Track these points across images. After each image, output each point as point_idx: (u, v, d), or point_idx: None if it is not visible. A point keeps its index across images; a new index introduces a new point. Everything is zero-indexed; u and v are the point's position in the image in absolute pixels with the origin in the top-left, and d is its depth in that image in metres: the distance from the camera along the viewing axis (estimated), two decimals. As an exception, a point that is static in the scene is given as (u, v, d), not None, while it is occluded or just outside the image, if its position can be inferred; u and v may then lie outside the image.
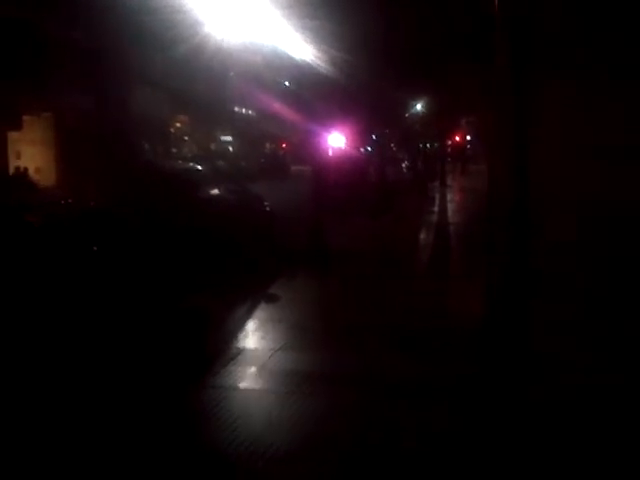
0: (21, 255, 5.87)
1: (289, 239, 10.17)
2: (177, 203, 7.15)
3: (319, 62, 11.89)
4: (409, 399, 4.39)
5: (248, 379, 4.82)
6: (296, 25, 10.82)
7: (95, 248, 6.21)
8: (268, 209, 9.94)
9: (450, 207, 17.03)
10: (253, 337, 5.91)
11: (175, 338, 5.73)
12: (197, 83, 29.42)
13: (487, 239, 3.18)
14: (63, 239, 6.20)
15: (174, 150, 31.73)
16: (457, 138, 40.05)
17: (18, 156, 21.55)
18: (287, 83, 26.27)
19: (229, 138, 42.18)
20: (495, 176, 2.51)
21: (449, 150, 40.33)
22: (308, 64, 11.69)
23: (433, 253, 10.16)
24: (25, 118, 20.82)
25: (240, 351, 5.46)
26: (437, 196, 20.66)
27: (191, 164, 9.70)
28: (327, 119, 14.53)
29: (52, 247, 6.05)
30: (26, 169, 20.95)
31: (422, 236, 12.57)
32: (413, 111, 31.12)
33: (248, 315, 6.57)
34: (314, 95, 12.27)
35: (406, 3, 10.56)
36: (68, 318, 5.54)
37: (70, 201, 7.62)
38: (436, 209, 17.12)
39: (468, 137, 46.19)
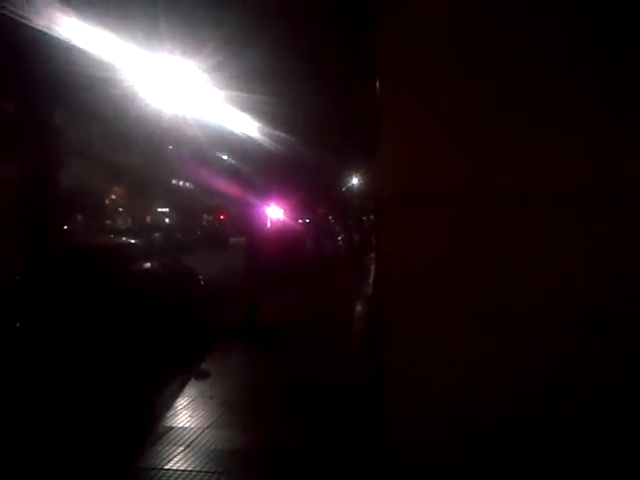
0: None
1: (223, 313, 10.08)
2: (105, 278, 7.02)
3: (257, 136, 12.17)
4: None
5: (176, 459, 4.66)
6: (235, 100, 11.11)
7: (18, 324, 6.00)
8: (202, 283, 9.86)
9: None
10: (182, 415, 5.74)
11: (100, 416, 5.52)
12: (134, 155, 29.44)
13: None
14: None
15: (108, 222, 31.28)
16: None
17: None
18: (225, 156, 26.61)
19: (166, 210, 42.01)
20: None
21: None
22: (246, 138, 11.94)
23: (366, 325, 10.23)
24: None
25: (168, 430, 5.31)
26: (372, 268, 20.97)
27: (123, 238, 9.59)
28: (265, 191, 14.74)
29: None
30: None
31: (357, 308, 12.67)
32: (350, 185, 31.95)
33: (177, 392, 6.41)
34: (252, 168, 12.48)
35: (341, 81, 11.00)
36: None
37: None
38: (370, 281, 17.34)
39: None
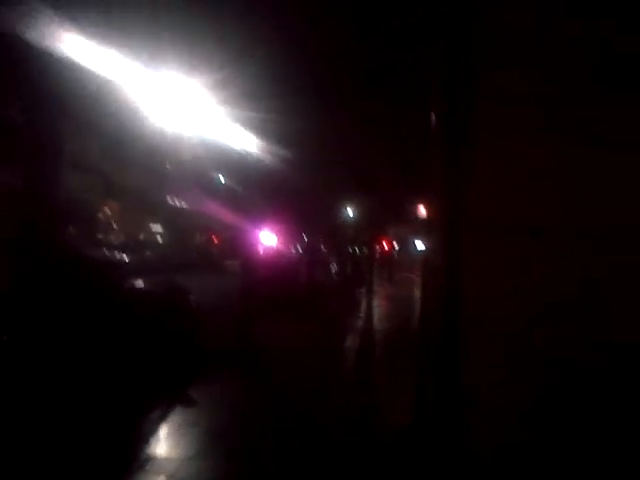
0: None
1: (214, 336, 9.86)
2: (98, 293, 6.83)
3: (256, 161, 12.10)
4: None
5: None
6: (235, 120, 11.05)
7: (4, 337, 5.79)
8: (194, 304, 9.65)
9: (376, 312, 17.13)
10: (165, 443, 5.51)
11: (81, 441, 5.28)
12: (131, 171, 29.34)
13: (420, 353, 3.21)
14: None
15: (100, 236, 31.00)
16: (385, 246, 41.12)
17: None
18: (222, 179, 26.60)
19: (159, 228, 41.75)
20: (426, 284, 2.60)
21: (377, 257, 41.26)
22: (246, 162, 11.87)
23: (357, 359, 10.06)
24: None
25: (150, 458, 5.07)
26: (364, 302, 20.86)
27: (117, 253, 9.42)
28: (260, 217, 14.65)
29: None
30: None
31: (347, 341, 12.48)
32: (345, 216, 31.95)
33: (163, 418, 6.17)
34: (249, 192, 12.40)
35: (344, 110, 10.99)
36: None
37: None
38: (362, 315, 17.17)
39: (396, 246, 47.69)
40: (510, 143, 2.22)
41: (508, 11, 2.25)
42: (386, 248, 41.54)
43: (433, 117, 2.37)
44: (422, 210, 25.31)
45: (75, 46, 8.84)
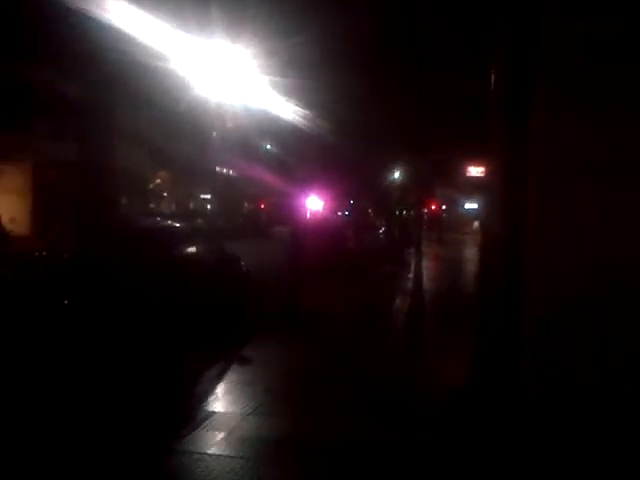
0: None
1: (265, 300, 10.10)
2: (153, 260, 7.06)
3: (302, 127, 12.11)
4: (378, 469, 4.30)
5: (216, 445, 4.67)
6: (281, 88, 11.06)
7: (66, 302, 6.07)
8: (244, 269, 9.88)
9: (425, 273, 17.09)
10: (223, 400, 5.76)
11: (143, 399, 5.56)
12: (180, 142, 29.72)
13: (478, 311, 3.28)
14: (32, 292, 6.05)
15: (152, 205, 31.71)
16: (433, 207, 40.71)
17: (-8, 205, 21.26)
18: (269, 146, 26.72)
19: (208, 196, 42.39)
20: (486, 243, 2.69)
21: (425, 218, 40.95)
22: (291, 128, 11.89)
23: (407, 320, 10.15)
24: (1, 167, 20.73)
25: (210, 415, 5.31)
26: (413, 262, 20.80)
27: (169, 221, 9.64)
28: (306, 182, 14.72)
29: (20, 300, 5.90)
30: (-1, 218, 20.64)
31: (397, 302, 12.57)
32: (391, 179, 31.74)
33: (219, 377, 6.42)
34: (295, 158, 12.46)
35: (394, 74, 10.86)
36: (33, 376, 5.37)
37: (43, 253, 7.49)
38: (410, 275, 17.19)
39: (444, 207, 47.21)
40: (579, 94, 2.27)
41: None
42: (434, 209, 41.11)
43: (492, 74, 2.47)
44: (471, 171, 24.95)
45: (124, 16, 8.97)
